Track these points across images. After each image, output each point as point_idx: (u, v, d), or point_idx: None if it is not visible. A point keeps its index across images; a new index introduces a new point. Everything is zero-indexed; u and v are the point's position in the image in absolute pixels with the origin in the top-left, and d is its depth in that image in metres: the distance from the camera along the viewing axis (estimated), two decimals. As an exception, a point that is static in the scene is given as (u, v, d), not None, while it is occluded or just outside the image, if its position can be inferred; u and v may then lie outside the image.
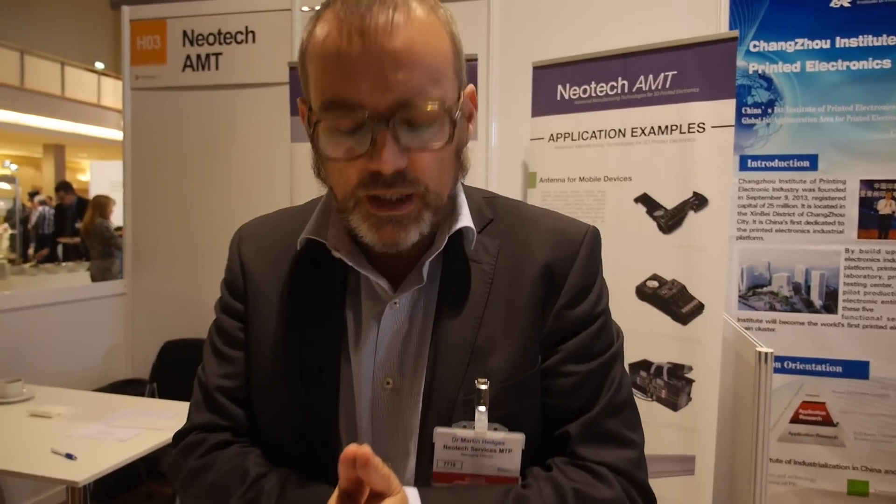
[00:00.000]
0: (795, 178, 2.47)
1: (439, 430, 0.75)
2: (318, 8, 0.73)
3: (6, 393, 2.27)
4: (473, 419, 0.75)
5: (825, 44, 2.44)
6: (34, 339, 2.91)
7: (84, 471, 1.78)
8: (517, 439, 0.75)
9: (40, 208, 10.14)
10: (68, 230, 8.40)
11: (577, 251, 0.82)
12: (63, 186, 8.85)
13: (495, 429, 0.75)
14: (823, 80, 2.44)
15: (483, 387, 0.74)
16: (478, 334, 0.77)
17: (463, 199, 0.82)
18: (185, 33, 3.07)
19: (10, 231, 10.71)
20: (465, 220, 0.79)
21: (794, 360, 2.48)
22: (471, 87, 0.79)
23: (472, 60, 2.42)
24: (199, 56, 3.06)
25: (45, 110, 13.16)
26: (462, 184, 0.84)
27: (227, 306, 0.87)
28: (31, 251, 9.57)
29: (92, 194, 8.29)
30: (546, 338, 0.80)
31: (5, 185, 12.75)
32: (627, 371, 0.87)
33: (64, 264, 6.11)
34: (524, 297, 0.79)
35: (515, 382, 0.77)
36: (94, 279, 5.58)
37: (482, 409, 0.74)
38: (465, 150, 0.79)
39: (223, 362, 0.84)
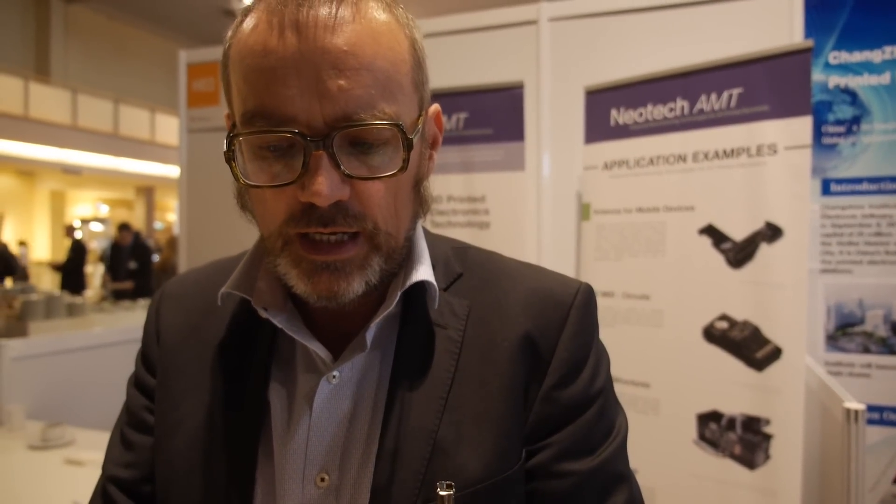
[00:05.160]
0: (889, 202, 2.18)
1: None
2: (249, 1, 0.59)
3: (47, 437, 2.27)
4: None
5: (919, 51, 2.16)
6: (84, 381, 2.94)
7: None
8: None
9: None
10: (122, 270, 8.55)
11: (566, 316, 0.65)
12: (123, 226, 9.08)
13: None
14: (919, 92, 2.16)
15: (447, 492, 0.56)
16: (441, 420, 0.60)
17: (423, 247, 0.66)
18: (236, 74, 3.09)
19: (101, 269, 11.31)
20: (424, 272, 0.63)
21: (894, 410, 2.16)
22: (436, 106, 0.64)
23: (519, 88, 2.30)
24: (249, 96, 3.08)
25: (137, 154, 13.99)
26: (425, 229, 0.69)
27: (139, 380, 0.73)
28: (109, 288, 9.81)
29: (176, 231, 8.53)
30: (532, 428, 0.62)
31: (99, 227, 13.58)
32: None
33: (141, 301, 6.31)
34: (501, 377, 0.62)
35: (489, 486, 0.59)
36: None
37: None
38: (425, 183, 0.64)
39: (124, 448, 0.71)
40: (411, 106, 0.59)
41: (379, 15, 0.56)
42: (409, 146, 0.56)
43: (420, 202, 0.64)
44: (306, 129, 0.53)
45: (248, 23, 0.56)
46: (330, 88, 0.53)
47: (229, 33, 0.59)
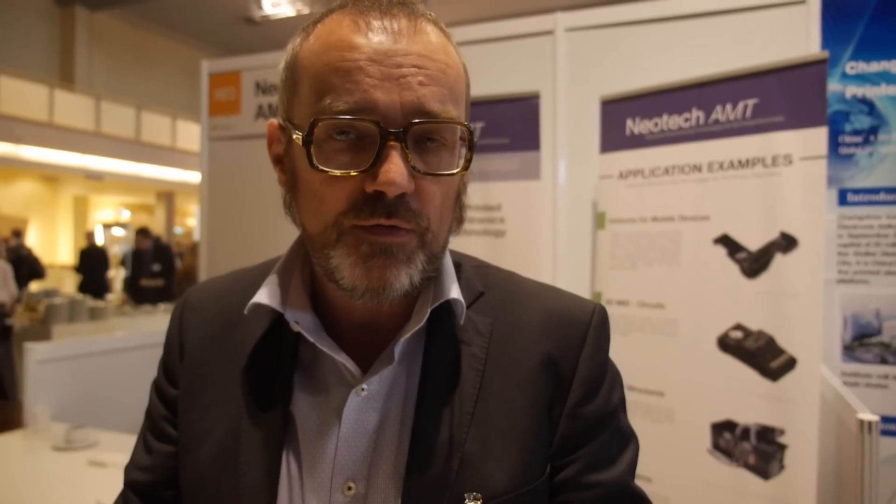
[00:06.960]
0: (906, 212, 2.18)
1: None
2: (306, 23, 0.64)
3: (71, 438, 2.32)
4: None
5: (937, 61, 2.16)
6: (107, 384, 2.99)
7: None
8: None
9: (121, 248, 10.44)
10: (147, 273, 8.65)
11: (585, 337, 0.68)
12: (141, 232, 9.18)
13: None
14: (937, 102, 2.15)
15: (475, 503, 0.59)
16: (468, 434, 0.63)
17: (450, 264, 0.69)
18: (257, 84, 3.15)
19: (123, 274, 11.46)
20: (453, 290, 0.65)
21: (913, 421, 2.14)
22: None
23: (535, 97, 2.32)
24: (270, 105, 3.14)
25: (158, 160, 14.17)
26: (448, 249, 0.71)
27: (160, 389, 0.75)
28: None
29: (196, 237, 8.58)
30: (559, 445, 0.65)
31: (120, 231, 13.76)
32: None
33: (161, 305, 6.42)
34: (524, 394, 0.65)
35: (514, 497, 0.62)
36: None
37: None
38: (463, 197, 0.67)
39: (144, 452, 0.74)
40: (465, 118, 0.64)
41: (444, 38, 0.63)
42: (472, 146, 0.61)
43: (458, 216, 0.67)
44: (383, 120, 0.56)
45: (324, 30, 0.60)
46: (411, 82, 0.57)
47: (297, 41, 0.63)
